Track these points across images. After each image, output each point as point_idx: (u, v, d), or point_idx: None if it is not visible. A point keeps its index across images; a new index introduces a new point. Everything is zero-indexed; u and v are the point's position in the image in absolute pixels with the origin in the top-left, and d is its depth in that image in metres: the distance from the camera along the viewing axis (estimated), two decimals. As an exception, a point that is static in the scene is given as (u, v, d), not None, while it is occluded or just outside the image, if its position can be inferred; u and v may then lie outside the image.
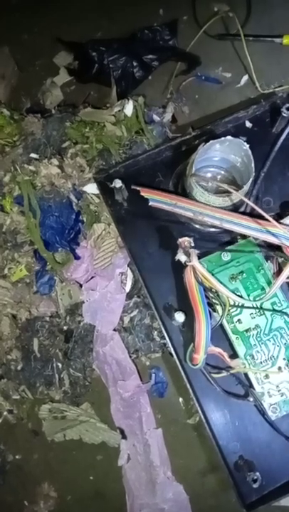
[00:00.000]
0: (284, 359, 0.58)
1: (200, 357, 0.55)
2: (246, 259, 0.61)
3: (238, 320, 0.59)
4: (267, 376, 0.58)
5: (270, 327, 0.59)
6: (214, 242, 0.64)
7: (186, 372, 0.60)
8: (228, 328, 0.59)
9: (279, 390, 0.58)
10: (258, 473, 0.55)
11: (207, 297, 0.57)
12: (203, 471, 0.71)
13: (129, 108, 0.76)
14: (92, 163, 0.74)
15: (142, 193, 0.63)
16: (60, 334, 0.75)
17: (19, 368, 0.75)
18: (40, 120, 0.77)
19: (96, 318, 0.73)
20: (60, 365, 0.74)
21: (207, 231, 0.64)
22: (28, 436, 0.75)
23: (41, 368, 0.74)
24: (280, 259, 0.59)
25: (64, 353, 0.74)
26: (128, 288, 0.73)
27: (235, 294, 0.58)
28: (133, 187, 0.64)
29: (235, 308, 0.59)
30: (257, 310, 0.59)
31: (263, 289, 0.60)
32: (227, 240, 0.64)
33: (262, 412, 0.58)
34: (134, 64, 0.83)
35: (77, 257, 0.73)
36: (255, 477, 0.55)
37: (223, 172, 0.67)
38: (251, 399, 0.57)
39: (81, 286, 0.74)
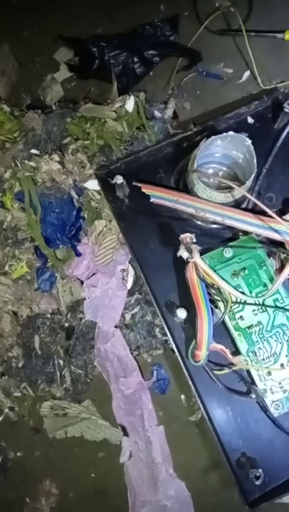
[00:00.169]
0: (286, 356, 0.58)
1: (202, 354, 0.54)
2: (248, 256, 0.60)
3: (240, 317, 0.59)
4: (269, 373, 0.58)
5: (273, 324, 0.59)
6: (216, 238, 0.63)
7: (188, 369, 0.60)
8: (230, 324, 0.59)
9: (281, 387, 0.57)
10: (260, 470, 0.55)
11: (209, 294, 0.56)
12: (205, 468, 0.71)
13: (130, 104, 0.75)
14: (93, 159, 0.74)
15: (144, 190, 0.62)
16: (62, 331, 0.75)
17: (20, 365, 0.75)
18: (41, 116, 0.76)
19: (97, 315, 0.72)
20: (61, 362, 0.74)
21: (209, 227, 0.64)
22: (29, 434, 0.75)
23: (42, 365, 0.74)
24: (283, 256, 0.59)
25: (65, 350, 0.74)
26: (129, 285, 0.73)
27: (238, 291, 0.58)
28: (134, 183, 0.63)
29: (237, 305, 0.59)
30: (259, 307, 0.59)
31: (265, 285, 0.60)
32: (229, 236, 0.63)
33: (264, 409, 0.58)
34: (135, 60, 0.83)
35: (78, 254, 0.73)
36: (258, 474, 0.55)
37: (224, 168, 0.67)
38: (253, 396, 0.57)
39: (82, 283, 0.74)
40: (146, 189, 0.62)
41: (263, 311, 0.59)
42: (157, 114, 0.78)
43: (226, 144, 0.62)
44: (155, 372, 0.73)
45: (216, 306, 0.58)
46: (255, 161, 0.58)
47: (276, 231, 0.57)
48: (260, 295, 0.59)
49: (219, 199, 0.59)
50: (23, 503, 0.74)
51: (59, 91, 0.86)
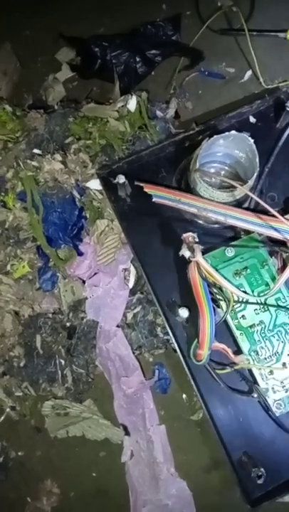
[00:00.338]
0: (288, 355, 0.58)
1: (204, 353, 0.54)
2: (250, 255, 0.60)
3: (242, 316, 0.59)
4: (271, 372, 0.58)
5: (275, 323, 0.59)
6: (218, 237, 0.63)
7: (190, 369, 0.60)
8: (232, 324, 0.59)
9: (283, 386, 0.57)
10: (262, 469, 0.55)
11: (211, 293, 0.56)
12: (207, 468, 0.70)
13: (132, 103, 0.76)
14: (95, 159, 0.74)
15: (146, 189, 0.63)
16: (63, 331, 0.75)
17: (22, 364, 0.75)
18: (43, 116, 0.76)
19: (99, 314, 0.72)
20: (62, 361, 0.74)
21: (211, 227, 0.64)
22: (30, 433, 0.75)
23: (44, 365, 0.74)
24: (285, 255, 0.59)
25: (67, 349, 0.74)
26: (131, 284, 0.73)
27: (240, 290, 0.58)
28: (136, 183, 0.63)
29: (239, 304, 0.59)
30: (261, 306, 0.59)
31: (267, 284, 0.60)
32: (231, 235, 0.64)
33: (266, 408, 0.58)
34: (137, 59, 0.82)
35: (80, 254, 0.73)
36: (260, 473, 0.55)
37: (226, 167, 0.67)
38: (255, 395, 0.57)
39: (84, 282, 0.74)
40: (149, 189, 0.63)
41: (265, 311, 0.59)
42: (159, 113, 0.78)
43: (228, 143, 0.62)
44: (157, 371, 0.73)
45: (218, 306, 0.58)
46: (257, 160, 0.58)
47: (278, 230, 0.57)
48: (262, 294, 0.59)
49: (221, 198, 0.59)
50: (25, 503, 0.74)
51: (61, 91, 0.86)
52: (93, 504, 0.72)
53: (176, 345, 0.61)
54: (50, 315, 0.75)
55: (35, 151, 0.74)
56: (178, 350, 0.61)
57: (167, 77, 0.84)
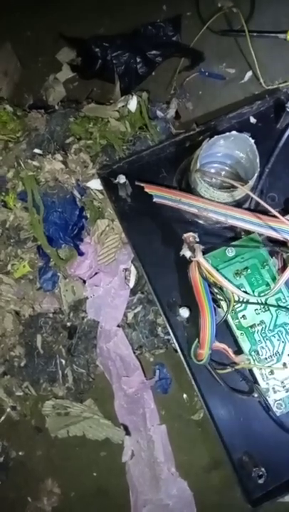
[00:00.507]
0: (289, 355, 0.58)
1: (205, 353, 0.55)
2: (251, 255, 0.61)
3: (243, 316, 0.59)
4: (272, 372, 0.58)
5: (275, 323, 0.59)
6: (219, 237, 0.63)
7: (191, 368, 0.60)
8: (232, 323, 0.59)
9: (284, 386, 0.58)
10: (263, 469, 0.55)
11: (212, 293, 0.56)
12: (207, 467, 0.71)
13: (132, 104, 0.76)
14: (95, 159, 0.74)
15: (146, 189, 0.63)
16: (64, 330, 0.75)
17: (22, 364, 0.75)
18: (44, 116, 0.76)
19: (100, 314, 0.72)
20: (63, 361, 0.74)
21: (211, 227, 0.64)
22: (31, 433, 0.75)
23: (44, 365, 0.74)
24: (285, 255, 0.59)
25: (67, 349, 0.74)
26: (132, 284, 0.73)
27: (240, 290, 0.58)
28: (137, 183, 0.64)
29: (239, 304, 0.59)
30: (262, 306, 0.59)
31: (267, 284, 0.60)
32: (231, 235, 0.64)
33: (266, 408, 0.58)
34: (138, 60, 0.83)
35: (80, 253, 0.73)
36: (261, 473, 0.55)
37: (227, 168, 0.67)
38: (256, 395, 0.57)
39: (85, 282, 0.74)
40: (149, 189, 0.63)
41: (266, 310, 0.59)
42: (160, 114, 0.79)
43: (229, 143, 0.62)
44: (157, 371, 0.73)
45: (219, 306, 0.58)
46: (258, 160, 0.58)
47: (279, 230, 0.57)
48: (262, 294, 0.59)
49: (222, 198, 0.59)
50: (25, 503, 0.74)
51: (61, 91, 0.86)
52: (94, 504, 0.72)
53: (176, 345, 0.61)
54: (51, 315, 0.75)
55: (36, 151, 0.75)
56: (178, 350, 0.61)
57: (168, 77, 0.84)
